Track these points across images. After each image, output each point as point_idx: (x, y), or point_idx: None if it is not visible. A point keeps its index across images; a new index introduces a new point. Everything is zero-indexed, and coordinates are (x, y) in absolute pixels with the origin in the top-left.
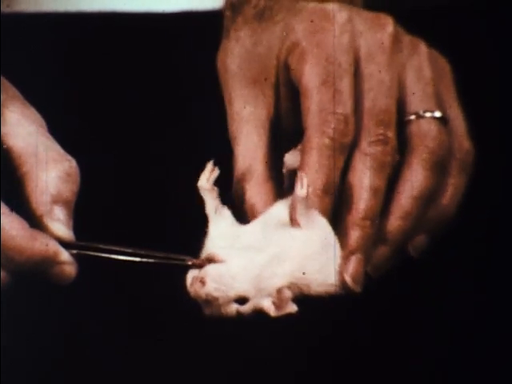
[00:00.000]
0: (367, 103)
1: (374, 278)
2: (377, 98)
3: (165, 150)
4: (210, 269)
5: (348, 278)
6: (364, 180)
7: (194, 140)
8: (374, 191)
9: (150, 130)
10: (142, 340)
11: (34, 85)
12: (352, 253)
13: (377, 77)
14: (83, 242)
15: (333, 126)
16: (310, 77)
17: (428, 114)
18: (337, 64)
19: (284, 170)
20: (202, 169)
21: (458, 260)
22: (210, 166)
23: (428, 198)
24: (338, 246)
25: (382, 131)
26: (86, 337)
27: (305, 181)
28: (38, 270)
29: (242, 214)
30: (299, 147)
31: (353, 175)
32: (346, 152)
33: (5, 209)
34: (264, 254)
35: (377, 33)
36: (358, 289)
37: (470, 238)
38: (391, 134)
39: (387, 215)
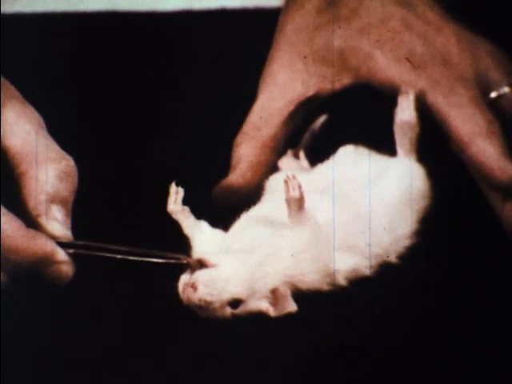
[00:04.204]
0: None
1: None
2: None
3: (164, 149)
4: (200, 274)
5: None
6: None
7: (194, 139)
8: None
9: (149, 129)
10: (141, 339)
11: (34, 85)
12: None
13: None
14: (81, 241)
15: (451, 86)
16: (401, 74)
17: (506, 89)
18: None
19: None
20: (201, 168)
21: (458, 257)
22: (173, 188)
23: None
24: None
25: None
26: (85, 336)
27: (295, 182)
28: (35, 270)
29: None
30: (293, 152)
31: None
32: (479, 101)
33: (2, 208)
34: (255, 255)
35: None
36: None
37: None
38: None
39: None
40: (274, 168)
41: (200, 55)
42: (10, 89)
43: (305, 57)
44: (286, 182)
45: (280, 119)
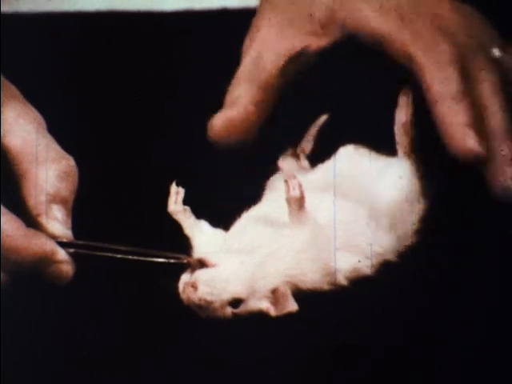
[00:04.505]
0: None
1: None
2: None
3: (164, 149)
4: (200, 273)
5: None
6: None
7: (194, 139)
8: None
9: (149, 129)
10: (141, 339)
11: (34, 85)
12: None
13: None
14: (81, 240)
15: (435, 43)
16: (386, 24)
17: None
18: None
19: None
20: (201, 168)
21: (458, 257)
22: (173, 188)
23: None
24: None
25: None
26: (85, 336)
27: (295, 182)
28: (35, 270)
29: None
30: (293, 151)
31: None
32: (459, 62)
33: (2, 208)
34: (255, 255)
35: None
36: None
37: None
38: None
39: None
40: (274, 168)
41: (200, 55)
42: (10, 88)
43: (289, 20)
44: (286, 181)
45: (273, 70)
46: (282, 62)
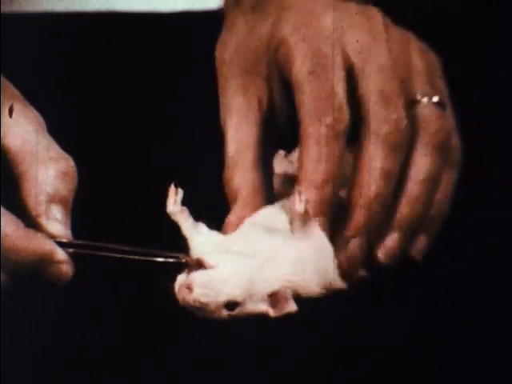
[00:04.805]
0: (371, 88)
1: (385, 264)
2: (379, 82)
3: (164, 149)
4: (196, 275)
5: (344, 260)
6: (375, 162)
7: (194, 139)
8: (386, 173)
9: (149, 129)
10: (141, 339)
11: (34, 85)
12: (353, 235)
13: (375, 63)
14: (81, 240)
15: (327, 113)
16: (299, 70)
17: (426, 99)
18: (324, 56)
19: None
20: (200, 167)
21: (454, 258)
22: (172, 189)
23: (433, 182)
24: (332, 254)
25: (392, 111)
26: (85, 336)
27: (303, 196)
28: (34, 270)
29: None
30: (286, 154)
31: (363, 157)
32: (343, 138)
33: (1, 209)
34: (255, 259)
35: (366, 25)
36: (353, 273)
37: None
38: (401, 114)
39: (397, 201)
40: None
41: (200, 55)
42: (10, 89)
43: (247, 71)
44: (296, 192)
45: (255, 144)
46: (258, 131)
